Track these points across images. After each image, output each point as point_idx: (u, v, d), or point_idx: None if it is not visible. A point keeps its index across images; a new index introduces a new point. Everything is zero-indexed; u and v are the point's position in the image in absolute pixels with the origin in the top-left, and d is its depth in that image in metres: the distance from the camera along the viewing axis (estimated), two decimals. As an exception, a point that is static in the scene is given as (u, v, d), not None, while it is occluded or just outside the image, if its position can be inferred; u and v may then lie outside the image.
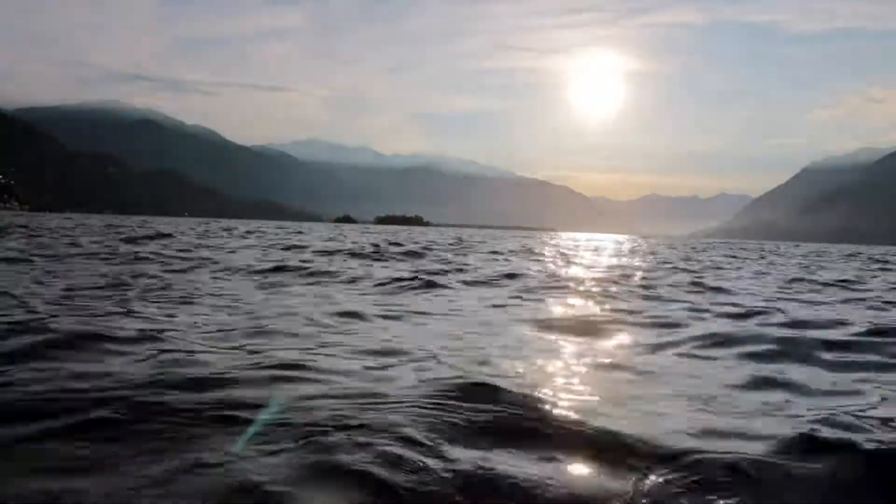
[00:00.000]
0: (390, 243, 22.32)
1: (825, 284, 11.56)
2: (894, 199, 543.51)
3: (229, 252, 14.97)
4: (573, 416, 2.64)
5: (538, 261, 17.22)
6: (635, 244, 49.58)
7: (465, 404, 2.68)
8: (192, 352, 3.54)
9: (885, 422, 2.75)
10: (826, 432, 2.47)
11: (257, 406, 2.61)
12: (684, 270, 14.69)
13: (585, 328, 5.33)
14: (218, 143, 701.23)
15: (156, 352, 3.49)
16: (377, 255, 15.58)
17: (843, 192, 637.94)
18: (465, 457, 2.18)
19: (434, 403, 2.69)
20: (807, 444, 2.37)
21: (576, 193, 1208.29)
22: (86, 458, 2.11)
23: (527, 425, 2.53)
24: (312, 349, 3.89)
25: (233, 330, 4.44)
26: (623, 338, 5.01)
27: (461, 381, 3.00)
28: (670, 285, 10.04)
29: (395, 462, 2.10)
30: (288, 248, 17.86)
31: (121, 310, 5.03)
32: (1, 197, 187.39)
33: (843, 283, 11.87)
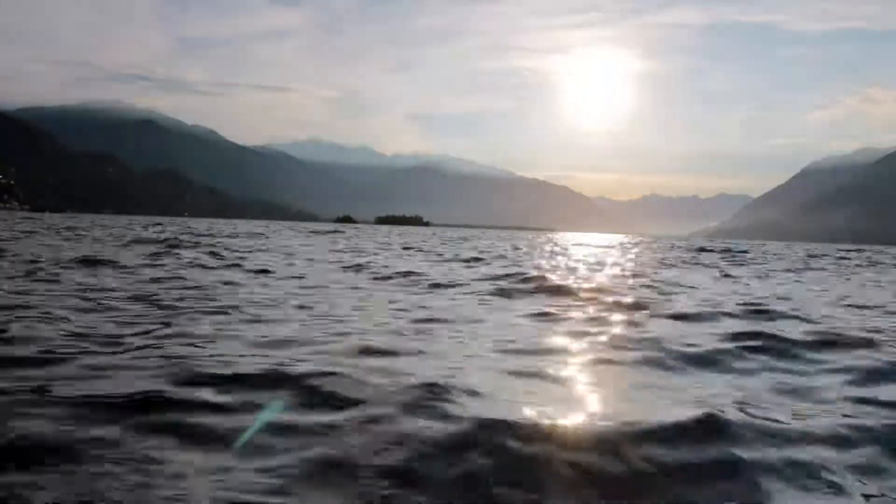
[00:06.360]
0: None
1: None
2: (894, 199, 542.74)
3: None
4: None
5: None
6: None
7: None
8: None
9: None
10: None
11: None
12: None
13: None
14: (218, 143, 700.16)
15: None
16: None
17: (843, 192, 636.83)
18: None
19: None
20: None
21: (576, 193, 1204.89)
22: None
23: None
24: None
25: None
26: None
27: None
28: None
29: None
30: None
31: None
32: (1, 197, 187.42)
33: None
